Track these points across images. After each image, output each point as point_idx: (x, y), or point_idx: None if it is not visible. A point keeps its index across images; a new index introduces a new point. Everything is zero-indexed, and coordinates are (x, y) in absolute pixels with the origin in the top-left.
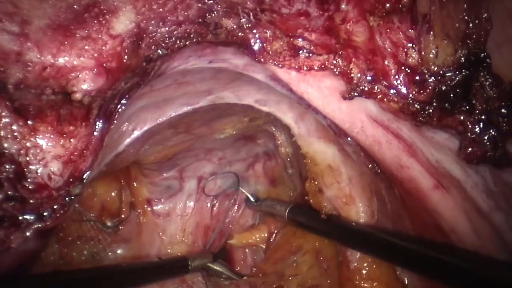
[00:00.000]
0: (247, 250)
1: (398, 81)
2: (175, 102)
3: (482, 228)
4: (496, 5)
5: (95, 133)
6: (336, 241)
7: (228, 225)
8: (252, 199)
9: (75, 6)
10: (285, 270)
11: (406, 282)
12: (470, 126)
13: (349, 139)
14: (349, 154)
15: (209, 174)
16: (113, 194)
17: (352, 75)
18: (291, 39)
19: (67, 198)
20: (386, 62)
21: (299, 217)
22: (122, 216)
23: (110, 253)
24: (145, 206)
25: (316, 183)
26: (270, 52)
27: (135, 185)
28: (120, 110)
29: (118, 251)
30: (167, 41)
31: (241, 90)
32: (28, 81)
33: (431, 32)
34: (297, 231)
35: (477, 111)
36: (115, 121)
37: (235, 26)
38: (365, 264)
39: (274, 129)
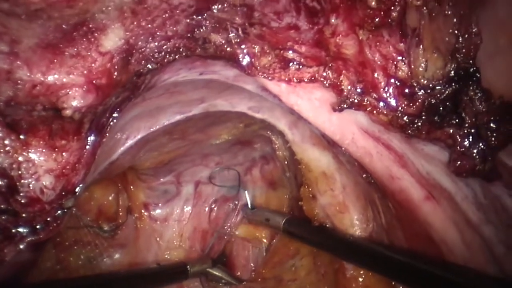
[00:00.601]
0: (249, 252)
1: (388, 94)
2: (167, 111)
3: (472, 240)
4: (488, 16)
5: (87, 147)
6: (331, 253)
7: (227, 230)
8: (249, 205)
9: (63, 26)
10: (283, 274)
11: None
12: (459, 140)
13: (343, 148)
14: (343, 163)
15: (206, 179)
16: (110, 198)
17: (342, 87)
18: (281, 52)
19: (59, 211)
20: (375, 75)
21: (294, 229)
22: (119, 220)
23: (106, 258)
24: (142, 211)
25: (310, 189)
26: (258, 67)
27: (132, 189)
28: (111, 123)
29: (115, 256)
30: (156, 56)
31: (234, 98)
32: (18, 99)
33: (421, 46)
34: None
35: (467, 125)
36: (107, 134)
37: (223, 41)
38: (361, 272)
39: (270, 134)
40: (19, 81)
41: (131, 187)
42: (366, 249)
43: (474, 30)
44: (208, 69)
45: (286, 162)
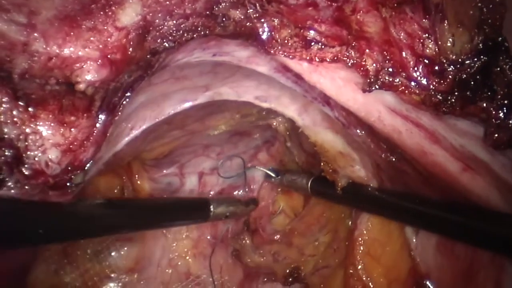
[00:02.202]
0: None
1: (418, 73)
2: (173, 98)
3: None
4: None
5: (98, 125)
6: (361, 209)
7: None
8: (272, 174)
9: None
10: (305, 248)
11: (418, 260)
12: (493, 112)
13: (358, 131)
14: (360, 143)
15: (209, 170)
16: (115, 191)
17: (367, 66)
18: (301, 31)
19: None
20: (403, 54)
21: (322, 188)
22: None
23: (114, 252)
24: None
25: (330, 165)
26: (279, 40)
27: (137, 180)
28: (124, 102)
29: (122, 250)
30: (174, 34)
31: (240, 87)
32: (33, 71)
33: (445, 21)
34: None
35: (499, 96)
36: (119, 113)
37: (242, 17)
38: (366, 238)
39: (268, 121)
40: (35, 54)
41: (136, 175)
42: (396, 203)
43: (497, 0)
44: (222, 50)
45: (288, 133)
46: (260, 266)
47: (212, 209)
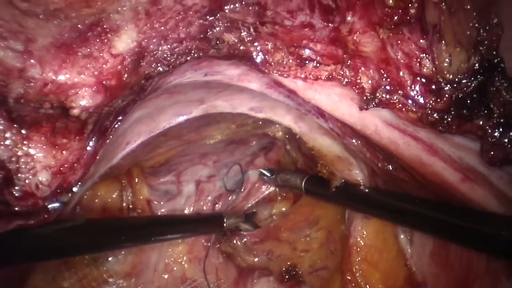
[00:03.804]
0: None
1: (415, 92)
2: (168, 112)
3: None
4: (502, 7)
5: (88, 148)
6: (354, 209)
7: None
8: (267, 173)
9: (79, 25)
10: (297, 243)
11: (414, 269)
12: (489, 130)
13: (353, 141)
14: (356, 152)
15: (206, 177)
16: (114, 195)
17: (362, 84)
18: (296, 50)
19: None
20: (401, 73)
21: (315, 188)
22: None
23: (111, 257)
24: (146, 208)
25: (327, 168)
26: (272, 63)
27: (137, 183)
28: (116, 126)
29: (119, 255)
30: (168, 59)
31: (235, 99)
32: (28, 96)
33: (443, 41)
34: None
35: (495, 115)
36: (110, 136)
37: (236, 40)
38: (362, 242)
39: (264, 130)
40: (31, 79)
41: (136, 179)
42: (388, 202)
43: (494, 21)
44: (212, 70)
45: (287, 137)
46: (254, 266)
47: (225, 220)
